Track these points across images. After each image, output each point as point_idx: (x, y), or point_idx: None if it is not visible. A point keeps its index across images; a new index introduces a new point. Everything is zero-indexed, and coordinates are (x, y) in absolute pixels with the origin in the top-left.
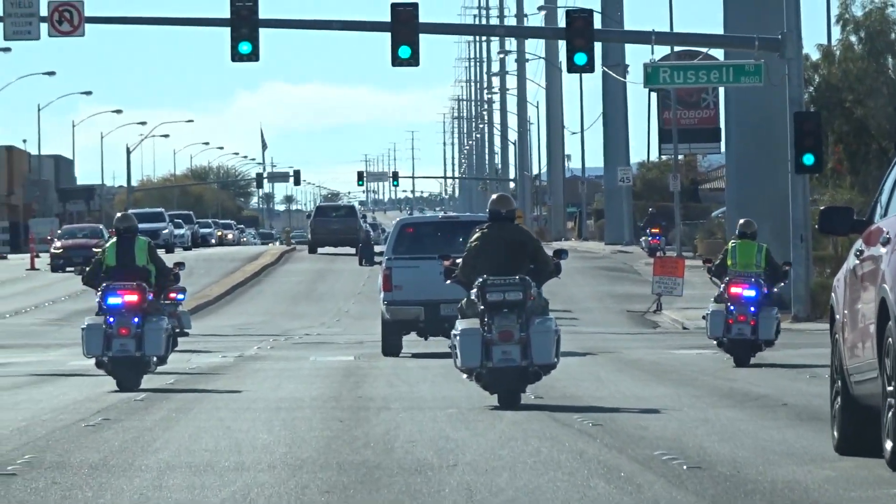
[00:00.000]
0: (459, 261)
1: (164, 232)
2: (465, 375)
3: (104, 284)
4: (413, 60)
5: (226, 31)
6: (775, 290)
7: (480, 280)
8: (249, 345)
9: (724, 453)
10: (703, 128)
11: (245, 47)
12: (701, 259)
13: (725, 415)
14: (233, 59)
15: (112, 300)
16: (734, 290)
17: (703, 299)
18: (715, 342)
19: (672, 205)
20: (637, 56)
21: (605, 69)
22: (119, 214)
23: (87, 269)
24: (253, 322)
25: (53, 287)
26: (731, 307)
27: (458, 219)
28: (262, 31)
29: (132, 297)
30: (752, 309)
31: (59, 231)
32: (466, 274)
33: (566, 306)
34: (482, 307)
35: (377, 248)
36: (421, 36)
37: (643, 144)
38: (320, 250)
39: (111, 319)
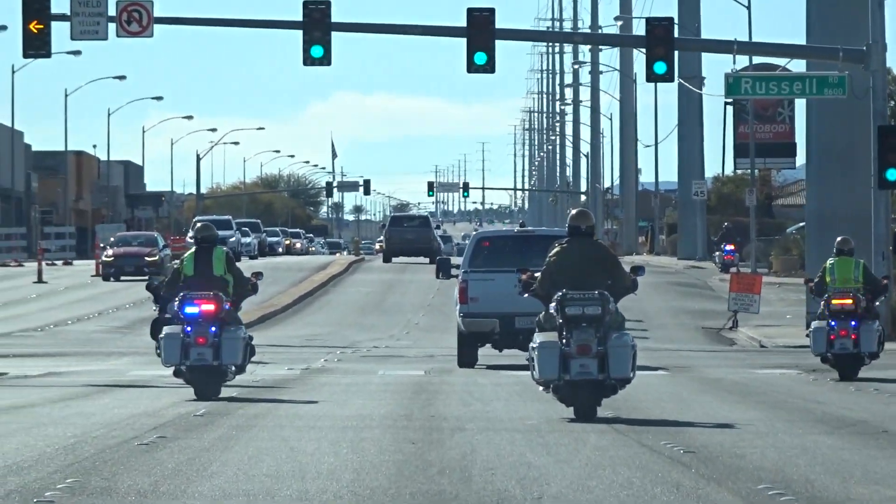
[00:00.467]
0: (537, 275)
1: (231, 240)
2: (541, 388)
3: (181, 294)
4: (489, 67)
5: (298, 36)
6: (876, 303)
7: (560, 294)
8: (316, 357)
9: (834, 489)
10: (779, 142)
11: (317, 51)
12: (774, 273)
13: (825, 442)
14: (305, 63)
15: (189, 309)
16: (834, 305)
17: (779, 317)
18: (819, 359)
19: (746, 220)
20: (713, 68)
21: (682, 81)
22: (198, 224)
23: (167, 280)
24: (320, 333)
25: (118, 294)
26: (833, 322)
27: (534, 233)
28: (335, 37)
29: (209, 307)
30: (853, 323)
31: (111, 238)
32: (545, 288)
33: (638, 323)
34: (561, 321)
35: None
36: (496, 44)
37: (716, 158)
38: (394, 260)
39: (189, 329)
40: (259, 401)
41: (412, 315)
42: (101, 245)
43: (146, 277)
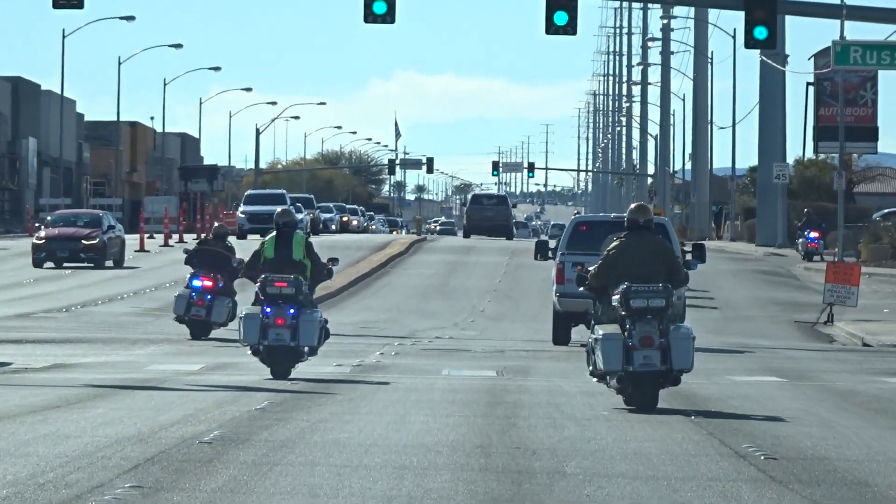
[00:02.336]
0: (591, 268)
1: None
2: (594, 379)
3: (263, 276)
4: (570, 28)
5: (358, 14)
6: None
7: (624, 286)
8: (371, 349)
9: None
10: (861, 126)
11: (380, 6)
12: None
13: None
14: (366, 20)
15: (269, 291)
16: None
17: (875, 310)
18: None
19: (830, 205)
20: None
21: (764, 58)
22: (279, 209)
23: (246, 261)
24: (377, 320)
25: (161, 271)
26: None
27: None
28: (399, 11)
29: (289, 290)
30: None
31: (48, 217)
32: (601, 280)
33: (724, 313)
34: (623, 313)
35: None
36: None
37: (796, 142)
38: (472, 237)
39: (268, 310)
40: (293, 416)
41: (477, 300)
42: (149, 218)
43: (84, 264)
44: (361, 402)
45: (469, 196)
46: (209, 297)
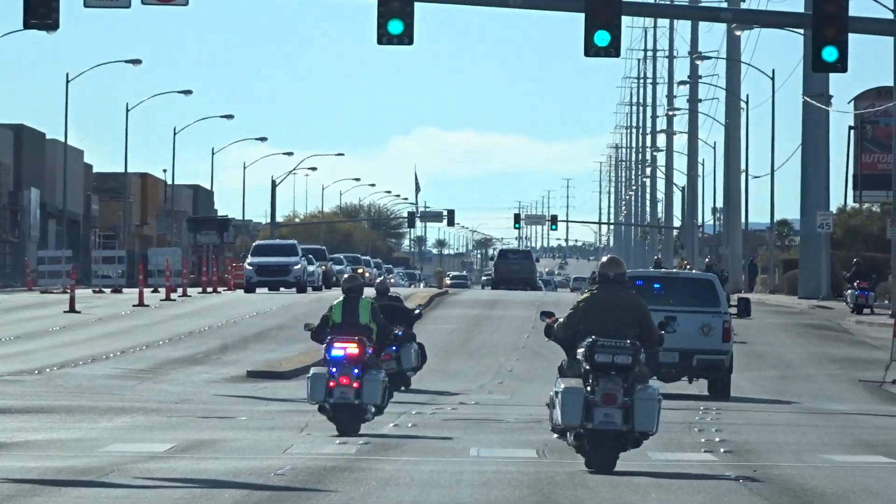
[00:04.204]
0: (561, 319)
1: (295, 268)
2: (555, 435)
3: (329, 338)
4: (612, 49)
5: (377, 67)
6: None
7: (590, 340)
8: (384, 419)
9: None
10: None
11: (395, 26)
12: None
13: None
14: (380, 42)
15: (335, 352)
16: None
17: None
18: None
19: (878, 255)
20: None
21: (807, 98)
22: (346, 276)
23: (316, 325)
24: None
25: (158, 328)
26: None
27: (678, 275)
28: (414, 65)
29: (353, 350)
30: None
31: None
32: (567, 333)
33: (780, 371)
34: (587, 367)
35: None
36: (578, 83)
37: (838, 190)
38: (499, 288)
39: (334, 370)
40: None
41: (504, 359)
42: (153, 271)
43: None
44: (367, 500)
45: (497, 251)
46: (394, 347)
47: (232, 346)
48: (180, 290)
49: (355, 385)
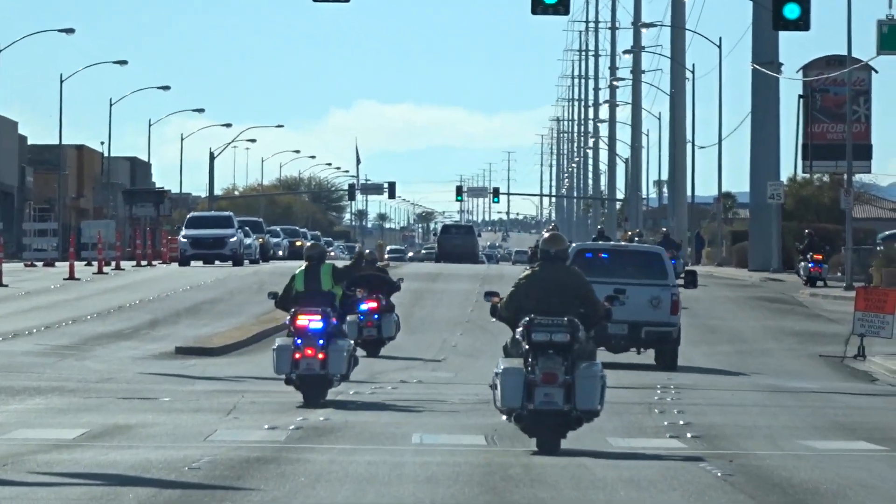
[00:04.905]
0: (505, 297)
1: (231, 240)
2: (503, 417)
3: (293, 309)
4: (561, 7)
5: (318, 40)
6: None
7: (527, 319)
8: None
9: None
10: (854, 143)
11: None
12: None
13: None
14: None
15: (299, 324)
16: None
17: None
18: None
19: (830, 227)
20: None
21: (756, 66)
22: (309, 243)
23: (280, 294)
24: None
25: (87, 302)
26: None
27: (628, 248)
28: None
29: (317, 322)
30: None
31: None
32: (511, 311)
33: (735, 346)
34: (527, 347)
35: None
36: (519, 57)
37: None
38: (442, 262)
39: (299, 341)
40: None
41: (448, 334)
42: (87, 244)
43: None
44: (295, 499)
45: (440, 227)
46: (376, 316)
47: (162, 320)
48: (114, 264)
49: (321, 356)
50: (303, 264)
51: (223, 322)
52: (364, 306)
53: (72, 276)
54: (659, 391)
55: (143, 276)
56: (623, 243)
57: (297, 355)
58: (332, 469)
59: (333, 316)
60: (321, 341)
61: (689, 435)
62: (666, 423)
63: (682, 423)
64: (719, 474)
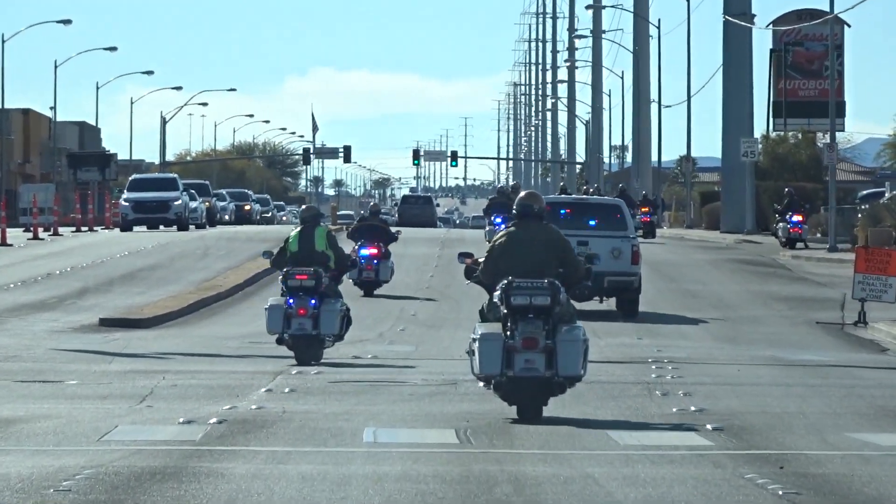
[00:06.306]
0: (482, 260)
1: (175, 203)
2: (481, 384)
3: (285, 269)
4: None
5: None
6: None
7: (505, 282)
8: (256, 381)
9: None
10: (825, 100)
11: None
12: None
13: None
14: None
15: (291, 284)
16: None
17: None
18: None
19: (807, 185)
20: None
21: (728, 17)
22: (304, 206)
23: (275, 253)
24: None
25: (13, 269)
26: None
27: (589, 201)
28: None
29: (309, 282)
30: None
31: None
32: (488, 275)
33: (721, 312)
34: (505, 311)
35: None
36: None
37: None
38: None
39: (291, 301)
40: None
41: (407, 301)
42: (26, 209)
43: None
44: None
45: (400, 196)
46: (376, 261)
47: (93, 289)
48: (52, 230)
49: (312, 316)
50: (292, 228)
51: (160, 290)
52: (365, 251)
53: (3, 243)
54: (654, 367)
55: (81, 242)
56: (585, 197)
57: (290, 315)
58: (251, 490)
59: (326, 276)
60: (313, 301)
61: (708, 426)
62: (674, 409)
63: (693, 409)
64: (780, 492)
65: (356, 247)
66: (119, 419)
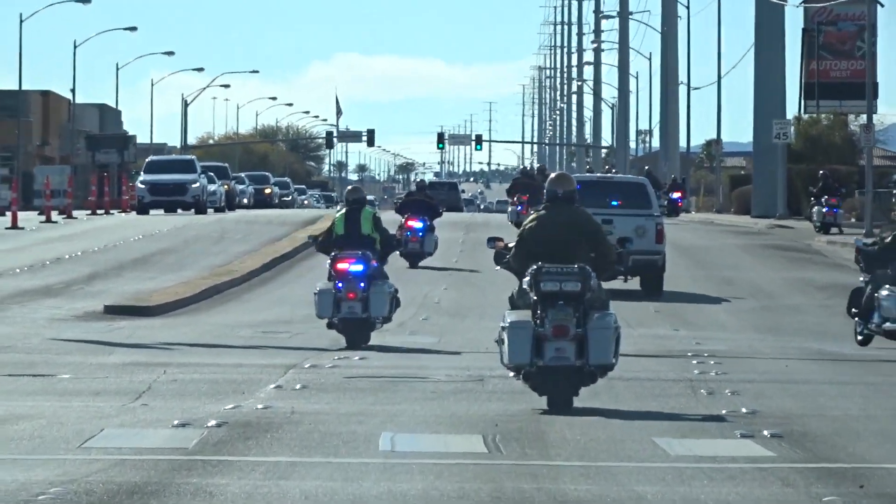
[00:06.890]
0: (512, 244)
1: (193, 186)
2: (511, 374)
3: (333, 253)
4: None
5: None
6: None
7: (535, 267)
8: (265, 375)
9: None
10: (857, 81)
11: None
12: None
13: None
14: None
15: (340, 268)
16: None
17: None
18: None
19: (841, 168)
20: None
21: None
22: (349, 187)
23: (320, 237)
24: (291, 317)
25: (22, 253)
26: None
27: (613, 179)
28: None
29: (357, 266)
30: None
31: None
32: (519, 260)
33: (759, 301)
34: (535, 298)
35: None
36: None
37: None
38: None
39: (340, 285)
40: None
41: (430, 288)
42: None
43: None
44: None
45: (426, 182)
46: (421, 234)
47: (103, 274)
48: (66, 213)
49: (362, 300)
50: (338, 210)
51: (172, 275)
52: (412, 223)
53: (14, 225)
54: (695, 362)
55: (94, 225)
56: (609, 175)
57: (339, 299)
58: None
59: (373, 258)
60: (362, 284)
61: (765, 433)
62: (723, 410)
63: (744, 410)
64: None
65: (403, 221)
66: (107, 420)
